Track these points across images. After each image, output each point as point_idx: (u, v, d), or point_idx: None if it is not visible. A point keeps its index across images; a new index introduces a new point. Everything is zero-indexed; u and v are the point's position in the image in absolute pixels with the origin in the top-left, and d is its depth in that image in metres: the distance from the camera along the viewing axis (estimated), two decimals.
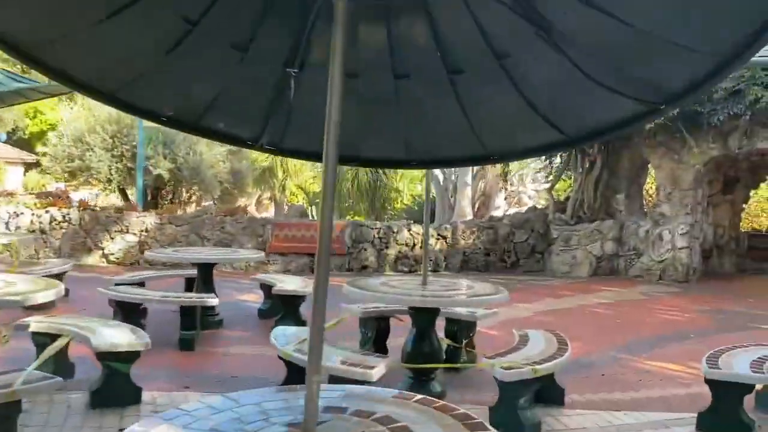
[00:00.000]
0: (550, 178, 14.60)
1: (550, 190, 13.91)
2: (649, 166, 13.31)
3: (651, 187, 15.13)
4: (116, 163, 17.23)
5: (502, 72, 2.52)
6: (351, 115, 3.03)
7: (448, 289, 5.07)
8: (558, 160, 14.69)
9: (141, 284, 7.47)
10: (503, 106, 2.71)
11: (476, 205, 25.29)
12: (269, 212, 31.62)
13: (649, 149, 12.55)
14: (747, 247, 15.01)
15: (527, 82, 2.55)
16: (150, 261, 11.29)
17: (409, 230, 12.89)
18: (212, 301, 6.20)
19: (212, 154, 20.62)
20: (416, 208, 27.15)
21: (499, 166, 16.38)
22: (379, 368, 4.13)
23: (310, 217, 25.45)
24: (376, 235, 12.73)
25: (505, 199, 27.44)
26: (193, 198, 23.17)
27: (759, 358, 4.64)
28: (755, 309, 9.52)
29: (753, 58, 2.26)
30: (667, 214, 12.26)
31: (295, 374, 4.63)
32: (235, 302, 8.73)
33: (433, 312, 5.12)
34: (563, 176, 15.34)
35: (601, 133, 2.66)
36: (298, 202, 32.93)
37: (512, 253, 13.42)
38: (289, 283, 7.40)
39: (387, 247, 12.74)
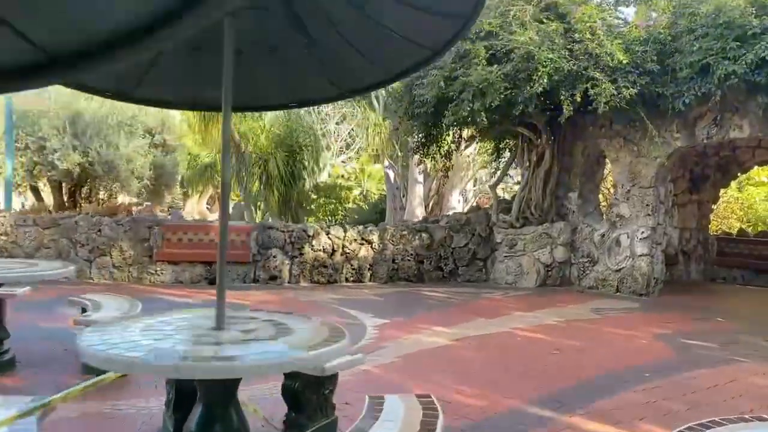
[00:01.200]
0: (498, 173, 12.81)
1: (494, 187, 12.11)
2: (606, 159, 11.60)
3: (609, 184, 13.45)
4: (19, 156, 15.23)
5: None
6: None
7: (250, 337, 3.15)
8: (507, 153, 12.92)
9: None
10: None
11: (429, 205, 23.63)
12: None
13: (606, 140, 10.82)
14: (716, 253, 13.43)
15: None
16: None
17: (328, 234, 10.97)
18: None
19: (131, 146, 18.45)
20: (366, 208, 25.28)
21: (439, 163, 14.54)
22: None
23: (246, 219, 23.23)
24: (288, 240, 10.79)
25: (476, 198, 25.64)
26: (117, 196, 20.97)
27: None
28: (726, 331, 7.81)
29: None
30: (625, 216, 10.55)
31: None
32: (64, 331, 6.71)
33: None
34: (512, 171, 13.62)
35: None
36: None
37: (450, 259, 11.59)
38: (105, 308, 5.43)
39: (301, 254, 10.80)
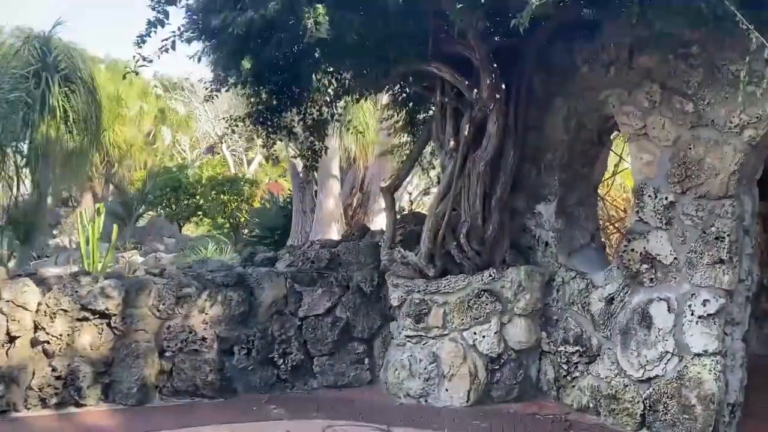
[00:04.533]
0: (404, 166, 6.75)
1: (389, 191, 6.09)
2: (614, 136, 5.76)
3: (623, 189, 7.52)
4: None
5: None
6: None
7: None
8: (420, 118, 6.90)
9: None
10: None
11: (353, 205, 17.68)
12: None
13: (618, 91, 4.92)
14: None
15: None
16: None
17: (5, 303, 4.84)
18: None
19: None
20: (269, 207, 19.10)
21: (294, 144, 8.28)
22: None
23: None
24: None
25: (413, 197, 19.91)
26: None
27: None
28: None
29: None
30: (662, 260, 4.68)
31: None
32: None
33: None
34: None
35: None
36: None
37: (293, 344, 5.56)
38: None
39: None
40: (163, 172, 23.55)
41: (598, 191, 6.28)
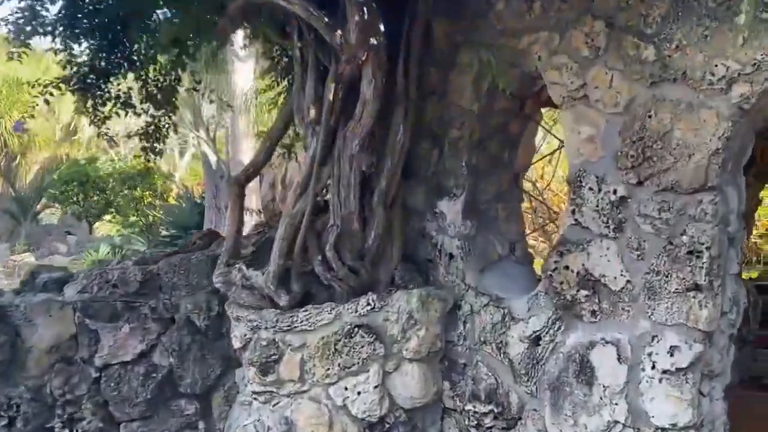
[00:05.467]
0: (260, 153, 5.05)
1: (241, 183, 4.34)
2: (540, 105, 4.21)
3: (553, 176, 5.99)
4: None
5: None
6: None
7: None
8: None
9: None
10: None
11: (275, 204, 15.83)
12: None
13: (546, 35, 3.35)
14: (760, 320, 6.44)
15: None
16: None
17: None
18: None
19: None
20: (184, 205, 17.11)
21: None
22: None
23: None
24: None
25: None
26: None
27: None
28: None
29: None
30: (609, 283, 3.14)
31: None
32: None
33: None
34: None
35: None
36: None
37: (83, 405, 3.82)
38: None
39: None
40: (69, 164, 21.23)
41: (523, 181, 4.71)
